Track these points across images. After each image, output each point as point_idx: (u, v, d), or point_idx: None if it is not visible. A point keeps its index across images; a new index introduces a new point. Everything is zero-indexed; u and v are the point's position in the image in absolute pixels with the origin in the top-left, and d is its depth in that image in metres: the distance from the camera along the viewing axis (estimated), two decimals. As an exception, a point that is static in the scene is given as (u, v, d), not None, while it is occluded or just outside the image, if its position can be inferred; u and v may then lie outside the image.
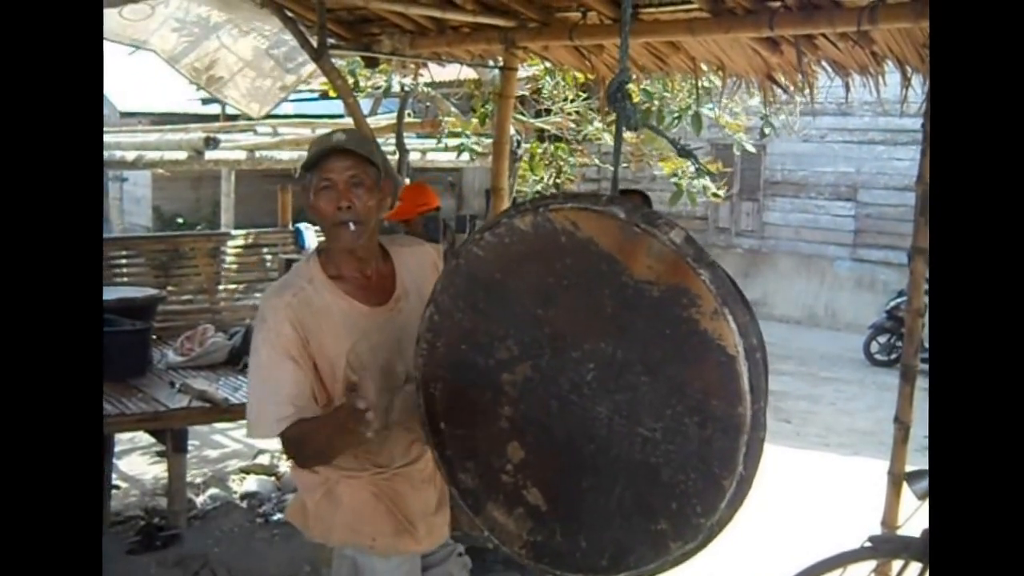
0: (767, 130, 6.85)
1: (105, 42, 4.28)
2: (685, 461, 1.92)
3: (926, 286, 2.96)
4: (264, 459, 5.92)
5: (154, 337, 5.18)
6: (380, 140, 6.04)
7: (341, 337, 2.31)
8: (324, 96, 9.91)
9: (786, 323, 12.29)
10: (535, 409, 2.09)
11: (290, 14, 4.39)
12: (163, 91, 14.07)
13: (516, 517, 2.16)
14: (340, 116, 9.47)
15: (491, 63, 5.07)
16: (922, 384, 2.72)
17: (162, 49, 5.72)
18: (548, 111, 7.52)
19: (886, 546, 3.20)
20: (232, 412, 4.48)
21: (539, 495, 2.12)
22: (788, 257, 13.07)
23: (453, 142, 7.42)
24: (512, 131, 6.06)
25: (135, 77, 13.24)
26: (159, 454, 5.76)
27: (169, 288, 5.81)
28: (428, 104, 8.26)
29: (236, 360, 4.98)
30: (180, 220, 15.01)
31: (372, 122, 6.68)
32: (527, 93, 7.20)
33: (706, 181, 6.97)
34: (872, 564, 3.23)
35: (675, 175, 6.96)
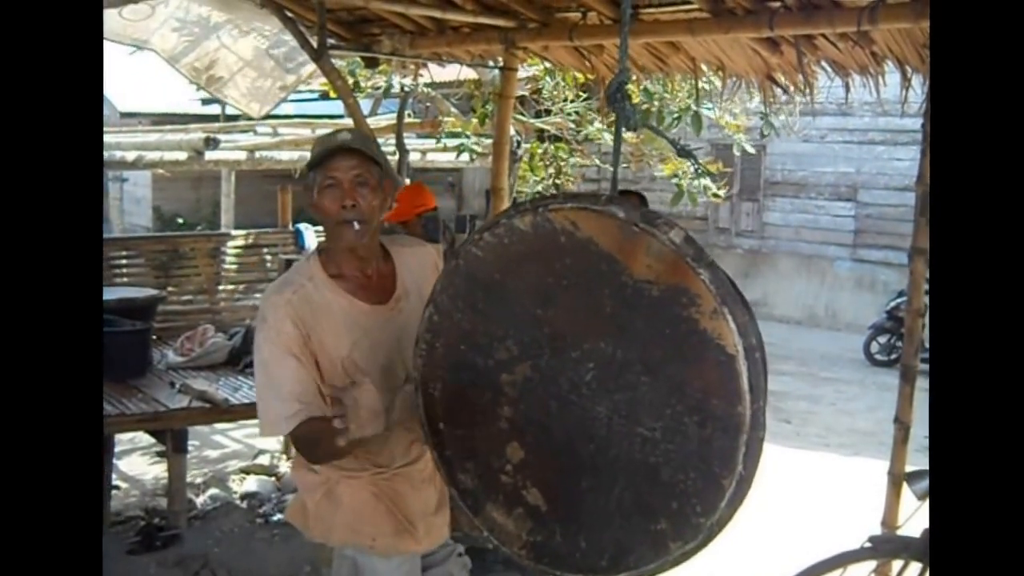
0: (767, 130, 6.85)
1: (105, 42, 4.28)
2: (685, 461, 1.91)
3: (926, 286, 2.97)
4: (264, 459, 5.93)
5: (154, 337, 5.18)
6: (380, 140, 6.03)
7: (341, 335, 2.31)
8: (324, 96, 9.92)
9: (786, 323, 12.29)
10: (535, 409, 2.09)
11: (290, 14, 4.39)
12: (163, 91, 14.08)
13: (515, 517, 2.15)
14: (340, 116, 9.45)
15: (491, 63, 5.08)
16: (922, 384, 2.72)
17: (162, 49, 5.73)
18: (548, 111, 7.52)
19: (886, 546, 3.20)
20: (232, 412, 4.49)
21: (539, 495, 2.12)
22: (788, 257, 13.07)
23: (453, 142, 7.42)
24: (512, 131, 6.06)
25: (135, 77, 13.24)
26: (159, 454, 5.76)
27: (169, 288, 5.81)
28: (428, 104, 8.26)
29: (236, 360, 4.98)
30: (180, 220, 15.02)
31: (372, 122, 6.68)
32: (527, 93, 7.20)
33: (706, 181, 6.97)
34: (872, 564, 3.23)
35: (675, 176, 6.96)
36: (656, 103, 6.29)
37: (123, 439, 5.86)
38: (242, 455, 6.14)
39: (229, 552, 4.71)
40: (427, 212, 4.69)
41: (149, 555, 4.60)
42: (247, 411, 4.43)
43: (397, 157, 6.50)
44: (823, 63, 3.82)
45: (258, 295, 5.68)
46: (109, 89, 12.82)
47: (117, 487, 5.44)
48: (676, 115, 6.44)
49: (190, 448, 5.19)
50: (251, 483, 5.57)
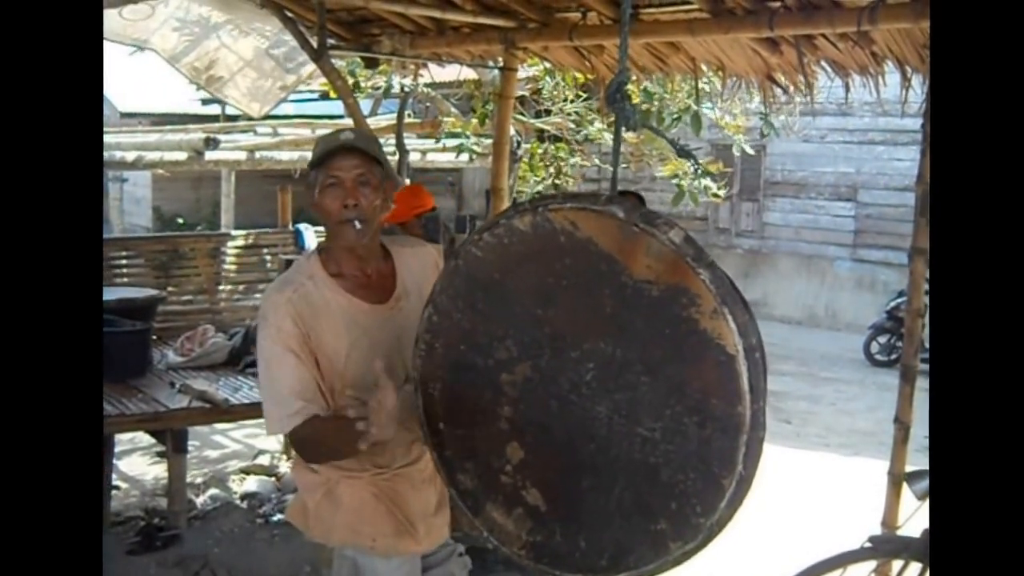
0: (767, 130, 6.85)
1: (105, 42, 4.29)
2: (685, 461, 1.91)
3: (926, 286, 2.96)
4: (264, 459, 5.92)
5: (154, 337, 5.17)
6: (380, 140, 6.03)
7: (340, 334, 2.31)
8: (324, 96, 9.93)
9: (786, 323, 12.29)
10: (534, 409, 2.09)
11: (290, 14, 4.39)
12: (163, 91, 14.08)
13: (515, 518, 2.15)
14: (340, 116, 9.45)
15: (491, 63, 5.08)
16: (922, 384, 2.72)
17: (163, 49, 5.73)
18: (548, 111, 7.52)
19: (886, 546, 3.20)
20: (232, 413, 4.48)
21: (538, 495, 2.12)
22: (788, 257, 13.07)
23: (453, 142, 7.42)
24: (512, 131, 6.06)
25: (135, 77, 13.25)
26: (159, 454, 5.76)
27: (169, 288, 5.80)
28: (428, 104, 8.26)
29: (236, 361, 4.97)
30: (180, 221, 15.03)
31: (372, 123, 6.68)
32: (527, 93, 7.20)
33: (707, 181, 6.97)
34: (872, 564, 3.23)
35: (676, 176, 6.96)
36: (656, 103, 6.29)
37: (123, 439, 5.86)
38: (242, 455, 6.14)
39: (229, 552, 4.71)
40: (425, 213, 4.68)
41: (149, 555, 4.60)
42: (247, 411, 4.43)
43: (397, 157, 6.50)
44: (823, 63, 3.82)
45: (258, 295, 5.68)
46: (109, 89, 12.83)
47: (117, 487, 5.44)
48: (676, 115, 6.45)
49: (190, 448, 5.19)
50: (251, 483, 5.56)
